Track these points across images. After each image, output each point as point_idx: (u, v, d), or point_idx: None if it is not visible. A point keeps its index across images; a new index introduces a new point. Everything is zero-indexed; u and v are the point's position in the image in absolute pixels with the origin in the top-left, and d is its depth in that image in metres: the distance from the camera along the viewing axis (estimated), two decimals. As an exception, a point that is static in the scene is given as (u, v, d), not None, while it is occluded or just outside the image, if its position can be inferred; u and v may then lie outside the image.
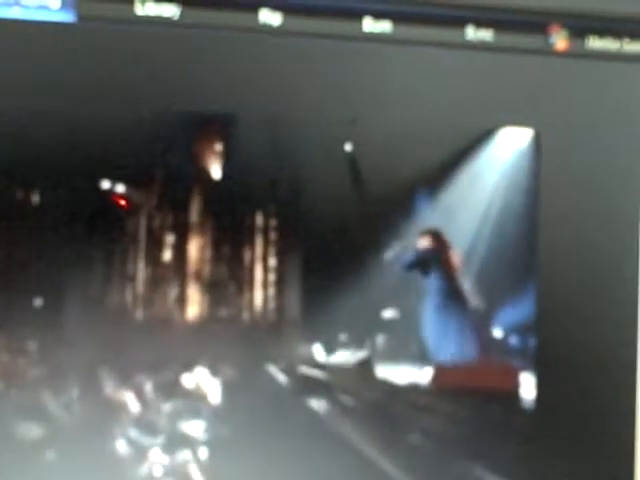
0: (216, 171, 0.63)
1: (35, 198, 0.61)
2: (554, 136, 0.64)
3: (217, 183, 0.63)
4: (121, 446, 0.62)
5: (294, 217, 0.64)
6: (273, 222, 0.64)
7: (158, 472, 0.63)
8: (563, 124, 0.64)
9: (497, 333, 0.67)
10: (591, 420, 0.64)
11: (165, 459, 0.63)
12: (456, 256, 0.67)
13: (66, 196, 0.61)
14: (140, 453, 0.62)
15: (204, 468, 0.63)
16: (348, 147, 0.64)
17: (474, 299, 0.67)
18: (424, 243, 0.66)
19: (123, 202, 0.61)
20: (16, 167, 0.60)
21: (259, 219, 0.64)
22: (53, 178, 0.60)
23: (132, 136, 0.60)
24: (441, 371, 0.67)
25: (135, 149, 0.61)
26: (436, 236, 0.66)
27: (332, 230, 0.64)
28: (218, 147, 0.63)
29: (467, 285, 0.67)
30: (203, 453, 0.63)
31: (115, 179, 0.62)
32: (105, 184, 0.62)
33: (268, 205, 0.64)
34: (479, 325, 0.68)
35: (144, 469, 0.63)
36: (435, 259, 0.67)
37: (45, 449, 0.61)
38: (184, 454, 0.63)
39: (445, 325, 0.67)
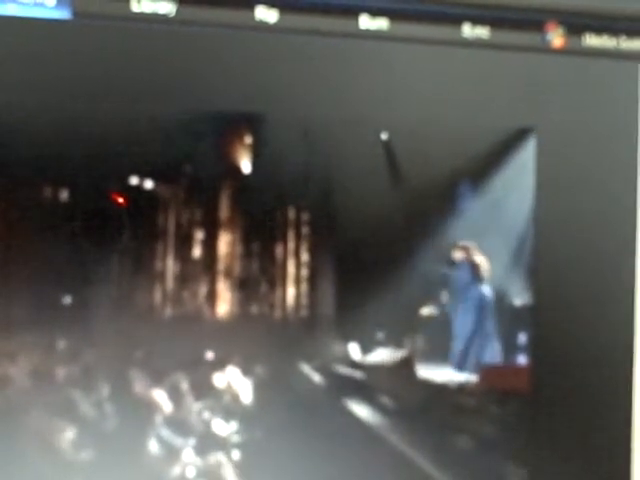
0: (246, 165, 0.62)
1: (64, 195, 0.60)
2: (550, 134, 0.63)
3: (247, 177, 0.62)
4: (153, 446, 0.61)
5: (327, 211, 0.62)
6: (305, 216, 0.62)
7: (191, 474, 0.61)
8: (559, 122, 0.63)
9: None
10: (589, 417, 0.62)
11: (198, 460, 0.61)
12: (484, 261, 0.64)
13: (94, 193, 0.60)
14: (172, 454, 0.61)
15: (237, 470, 0.61)
16: (384, 136, 0.62)
17: (523, 297, 0.64)
18: (459, 255, 0.64)
19: (121, 200, 0.60)
20: (40, 166, 0.59)
21: (291, 213, 0.62)
22: (79, 176, 0.60)
23: (140, 133, 0.59)
24: (488, 371, 0.64)
25: (157, 146, 0.60)
26: (466, 249, 0.64)
27: (367, 224, 0.62)
28: (247, 140, 0.62)
29: (516, 283, 0.64)
30: (236, 455, 0.61)
31: (143, 175, 0.61)
32: (133, 180, 0.61)
33: (300, 199, 0.62)
34: (528, 324, 0.64)
35: (177, 470, 0.61)
36: (469, 268, 0.65)
37: (77, 449, 0.60)
38: (217, 456, 0.62)
39: (489, 326, 0.64)
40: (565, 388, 0.62)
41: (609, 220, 0.64)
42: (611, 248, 0.63)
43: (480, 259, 0.64)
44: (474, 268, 0.64)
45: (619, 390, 0.62)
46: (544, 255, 0.63)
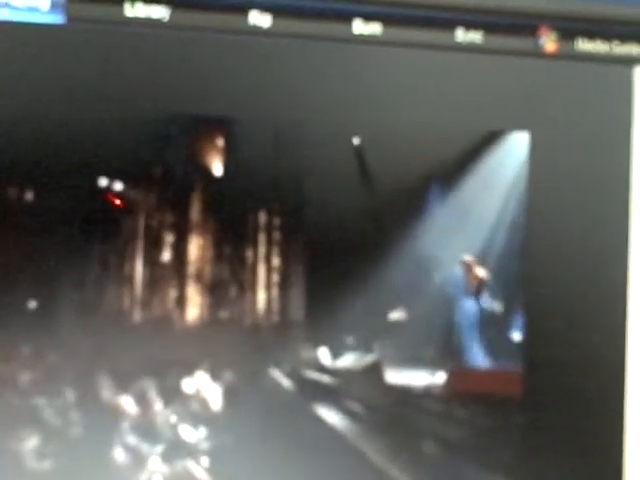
0: (217, 168, 0.61)
1: (29, 196, 0.59)
2: (543, 138, 0.63)
3: (218, 180, 0.61)
4: (119, 454, 0.60)
5: (298, 215, 0.62)
6: (276, 220, 0.62)
7: (158, 481, 0.60)
8: (552, 126, 0.63)
9: (515, 336, 0.64)
10: (581, 421, 0.63)
11: (165, 468, 0.60)
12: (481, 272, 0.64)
13: (61, 195, 0.59)
14: (139, 461, 0.60)
15: (206, 478, 0.60)
16: (356, 140, 0.62)
17: (490, 302, 0.65)
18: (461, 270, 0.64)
19: (118, 201, 0.59)
20: (9, 166, 0.58)
21: (262, 217, 0.61)
22: (47, 177, 0.58)
23: (128, 135, 0.58)
24: (455, 376, 0.64)
25: (132, 147, 0.59)
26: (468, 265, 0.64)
27: (338, 229, 0.62)
28: (219, 143, 0.61)
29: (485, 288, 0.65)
30: (205, 462, 0.61)
31: (112, 177, 0.59)
32: (102, 182, 0.59)
33: (271, 203, 0.61)
34: (495, 328, 0.65)
35: (143, 478, 0.60)
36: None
37: (40, 457, 0.59)
38: (185, 463, 0.61)
39: (468, 330, 0.64)
40: (557, 393, 0.62)
41: (602, 224, 0.64)
42: (604, 252, 0.64)
43: (481, 273, 0.64)
44: (473, 283, 0.64)
45: (611, 395, 0.63)
46: (536, 257, 0.63)
